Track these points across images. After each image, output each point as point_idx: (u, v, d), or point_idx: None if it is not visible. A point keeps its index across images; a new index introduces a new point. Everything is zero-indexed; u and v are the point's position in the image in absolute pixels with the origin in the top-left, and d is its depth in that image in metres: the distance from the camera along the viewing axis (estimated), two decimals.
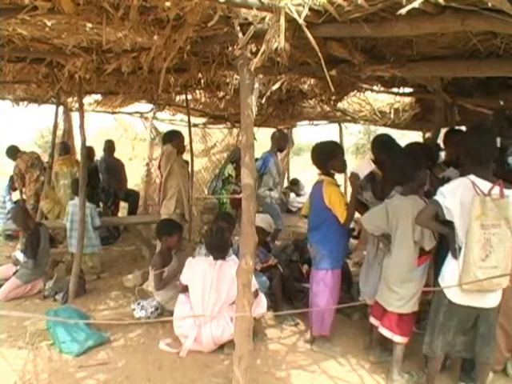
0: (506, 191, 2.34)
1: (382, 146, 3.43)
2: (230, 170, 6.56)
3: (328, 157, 3.26)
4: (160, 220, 4.44)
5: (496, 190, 2.33)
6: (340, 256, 3.32)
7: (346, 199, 3.25)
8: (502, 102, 2.95)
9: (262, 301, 3.40)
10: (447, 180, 2.71)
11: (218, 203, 6.51)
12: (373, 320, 3.11)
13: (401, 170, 2.88)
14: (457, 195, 2.39)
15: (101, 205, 6.68)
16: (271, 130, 10.22)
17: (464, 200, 2.36)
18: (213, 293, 3.24)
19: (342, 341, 3.51)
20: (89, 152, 6.92)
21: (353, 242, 4.89)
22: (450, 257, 2.54)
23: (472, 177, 2.39)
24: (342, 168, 3.36)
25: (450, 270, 2.49)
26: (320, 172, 3.32)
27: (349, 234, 3.52)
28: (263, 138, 7.85)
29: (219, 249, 3.37)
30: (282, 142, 5.62)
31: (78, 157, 6.80)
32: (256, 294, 3.22)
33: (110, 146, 7.32)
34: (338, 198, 3.14)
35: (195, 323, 3.25)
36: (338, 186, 3.34)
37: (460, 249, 2.41)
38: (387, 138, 3.53)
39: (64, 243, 5.61)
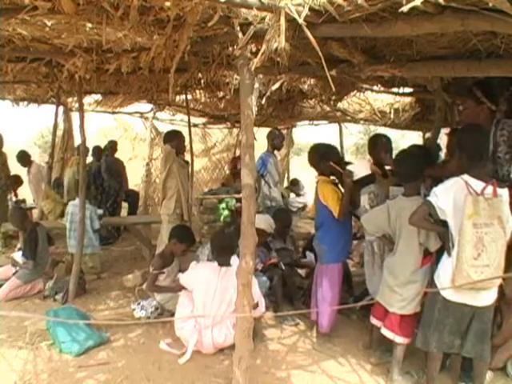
0: (500, 190, 2.37)
1: (380, 147, 3.44)
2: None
3: (321, 158, 3.38)
4: (180, 224, 4.41)
5: (489, 189, 2.36)
6: (341, 251, 3.43)
7: (340, 194, 3.31)
8: (478, 95, 2.93)
9: (261, 304, 3.37)
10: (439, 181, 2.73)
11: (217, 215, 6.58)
12: (374, 321, 3.10)
13: (404, 170, 2.89)
14: (450, 195, 2.42)
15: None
16: None
17: (457, 199, 2.39)
18: (216, 300, 3.23)
19: (342, 341, 3.51)
20: (98, 152, 6.98)
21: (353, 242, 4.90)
22: (445, 255, 2.56)
23: (465, 176, 2.42)
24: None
25: (445, 268, 2.51)
26: (317, 173, 3.46)
27: (351, 231, 3.62)
28: (263, 138, 7.85)
29: (225, 250, 3.36)
30: (275, 141, 5.62)
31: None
32: (256, 306, 3.21)
33: (112, 146, 7.32)
34: (331, 193, 3.28)
35: (195, 327, 3.23)
36: (335, 183, 3.41)
37: (454, 247, 2.43)
38: (386, 139, 3.55)
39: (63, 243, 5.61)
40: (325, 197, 3.28)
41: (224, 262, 3.33)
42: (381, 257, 3.28)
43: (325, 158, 3.36)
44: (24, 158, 6.95)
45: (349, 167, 3.21)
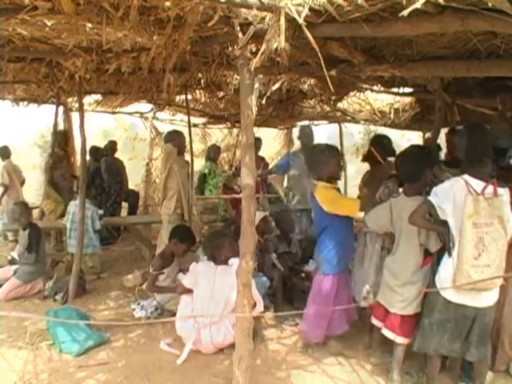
0: (500, 190, 2.37)
1: (382, 148, 3.44)
2: (208, 166, 6.75)
3: (319, 163, 3.09)
4: (180, 224, 4.40)
5: (489, 189, 2.36)
6: (339, 262, 3.12)
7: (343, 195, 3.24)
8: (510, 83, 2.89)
9: (259, 304, 3.34)
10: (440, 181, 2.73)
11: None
12: (375, 321, 3.09)
13: (406, 170, 2.88)
14: (450, 195, 2.42)
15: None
16: (271, 130, 10.21)
17: (457, 199, 2.39)
18: (214, 298, 3.23)
19: (342, 341, 3.50)
20: (96, 152, 6.97)
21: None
22: (446, 255, 2.56)
23: (466, 176, 2.43)
24: (335, 174, 3.15)
25: (446, 269, 2.51)
26: (315, 178, 3.15)
27: (352, 237, 3.33)
28: (263, 138, 7.87)
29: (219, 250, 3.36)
30: (299, 138, 5.70)
31: (78, 157, 6.84)
32: (254, 306, 3.17)
33: (112, 147, 7.32)
34: (334, 198, 3.03)
35: (194, 327, 3.23)
36: (335, 188, 3.16)
37: (454, 247, 2.43)
38: (387, 141, 3.54)
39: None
40: (328, 205, 2.98)
41: (220, 261, 3.34)
42: (371, 251, 3.24)
43: (320, 163, 3.07)
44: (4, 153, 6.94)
45: (390, 159, 3.12)
